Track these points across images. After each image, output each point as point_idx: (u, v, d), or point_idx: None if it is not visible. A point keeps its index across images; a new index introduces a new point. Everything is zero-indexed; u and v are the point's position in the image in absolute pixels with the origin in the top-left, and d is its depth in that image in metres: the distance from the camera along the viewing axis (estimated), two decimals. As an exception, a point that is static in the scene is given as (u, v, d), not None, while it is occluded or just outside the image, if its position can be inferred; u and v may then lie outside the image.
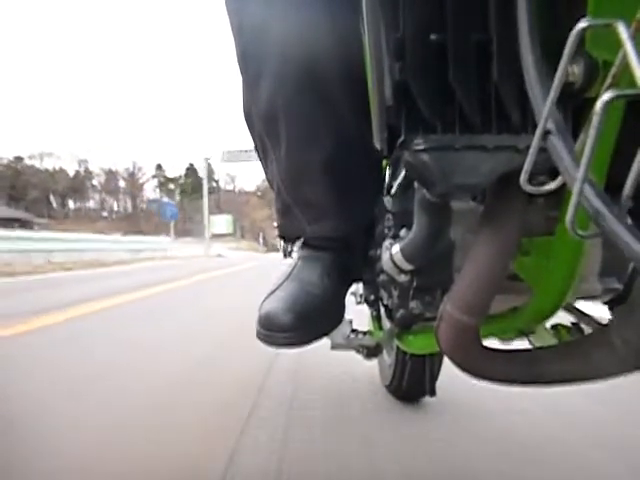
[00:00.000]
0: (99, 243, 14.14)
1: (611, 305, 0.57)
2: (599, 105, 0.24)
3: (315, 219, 0.75)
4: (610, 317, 0.55)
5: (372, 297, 0.86)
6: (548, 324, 0.64)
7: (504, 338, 0.67)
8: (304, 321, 0.71)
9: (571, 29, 0.28)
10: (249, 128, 0.78)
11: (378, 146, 0.46)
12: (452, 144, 0.40)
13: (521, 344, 0.64)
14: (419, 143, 0.40)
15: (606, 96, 0.24)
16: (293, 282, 0.76)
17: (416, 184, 0.50)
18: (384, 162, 0.76)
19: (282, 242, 0.93)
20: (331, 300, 0.76)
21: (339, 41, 0.60)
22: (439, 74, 0.40)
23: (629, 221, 0.28)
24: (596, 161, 0.28)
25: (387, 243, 0.61)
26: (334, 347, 0.86)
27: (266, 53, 0.65)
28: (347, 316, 0.83)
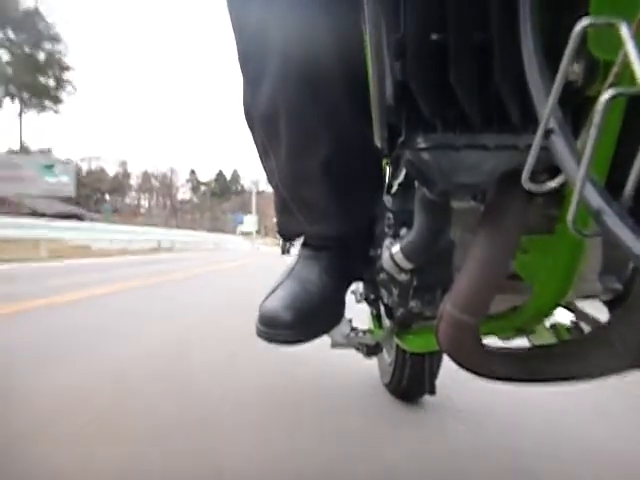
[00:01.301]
0: (190, 237, 20.49)
1: (611, 305, 0.57)
2: (600, 103, 0.24)
3: (315, 219, 0.75)
4: (609, 316, 0.55)
5: (372, 296, 0.87)
6: (548, 323, 0.65)
7: (504, 337, 0.67)
8: (304, 319, 0.71)
9: (572, 29, 0.28)
10: (249, 127, 0.78)
11: (379, 145, 0.46)
12: (453, 143, 0.40)
13: (521, 343, 0.64)
14: (420, 142, 0.40)
15: (607, 94, 0.24)
16: (293, 281, 0.76)
17: (417, 183, 0.50)
18: (384, 161, 0.76)
19: (281, 241, 0.93)
20: (331, 298, 0.76)
21: (340, 41, 0.60)
22: (440, 74, 0.40)
23: (630, 220, 0.28)
24: (597, 159, 0.28)
25: (387, 242, 0.61)
26: (334, 345, 0.87)
27: (267, 53, 0.65)
28: (347, 315, 0.83)
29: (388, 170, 0.74)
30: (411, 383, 1.15)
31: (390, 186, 0.67)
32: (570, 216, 0.26)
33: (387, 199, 0.65)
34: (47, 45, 31.67)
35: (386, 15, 0.41)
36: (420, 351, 0.96)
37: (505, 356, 0.58)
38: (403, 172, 0.53)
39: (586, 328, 0.63)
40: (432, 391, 1.12)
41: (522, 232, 0.49)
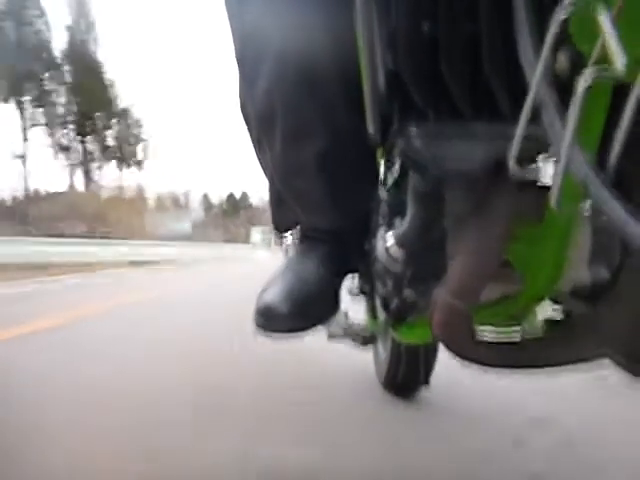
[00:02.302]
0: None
1: (598, 293, 0.58)
2: (580, 85, 0.25)
3: (310, 211, 0.76)
4: (598, 303, 0.56)
5: (367, 288, 0.88)
6: (540, 316, 0.66)
7: (497, 325, 0.68)
8: (300, 310, 0.72)
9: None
10: (244, 120, 0.79)
11: (372, 133, 0.47)
12: (444, 132, 0.41)
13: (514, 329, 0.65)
14: (412, 131, 0.41)
15: (587, 79, 0.25)
16: (290, 272, 0.77)
17: (410, 172, 0.51)
18: (379, 153, 0.76)
19: (284, 245, 0.94)
20: (327, 290, 0.77)
21: (333, 34, 0.61)
22: (431, 64, 0.40)
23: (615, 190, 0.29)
24: (586, 137, 0.29)
25: (381, 232, 0.62)
26: (330, 336, 0.88)
27: (262, 47, 0.65)
28: (343, 306, 0.84)
29: (382, 162, 0.75)
30: (406, 376, 1.16)
31: (385, 178, 0.68)
32: (555, 188, 0.27)
33: (381, 190, 0.66)
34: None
35: (378, 6, 0.42)
36: (415, 342, 0.97)
37: (497, 344, 0.59)
38: (397, 163, 0.54)
39: (576, 316, 0.64)
40: (426, 381, 1.14)
41: (513, 220, 0.50)
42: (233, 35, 0.70)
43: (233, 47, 0.71)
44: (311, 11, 0.60)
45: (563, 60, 0.32)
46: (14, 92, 27.97)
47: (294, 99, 0.67)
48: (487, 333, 0.59)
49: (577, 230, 0.52)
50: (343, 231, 0.77)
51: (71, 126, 31.81)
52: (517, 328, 0.67)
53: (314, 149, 0.69)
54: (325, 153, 0.69)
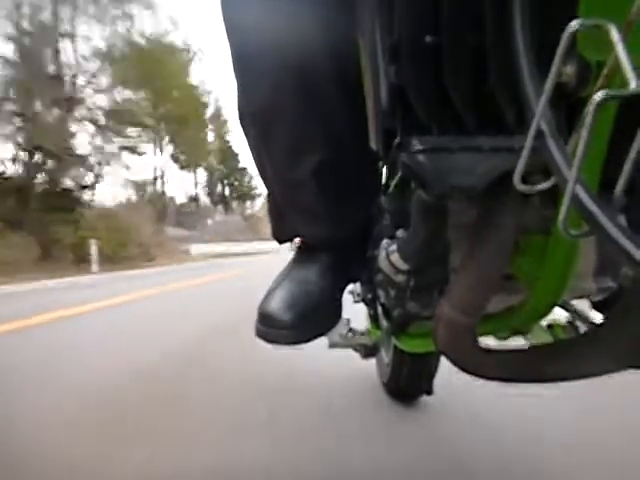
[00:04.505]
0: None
1: (605, 304, 0.57)
2: (591, 106, 0.24)
3: (311, 222, 0.75)
4: (604, 316, 0.55)
5: (369, 296, 0.87)
6: (544, 322, 0.65)
7: (500, 337, 0.67)
8: (303, 320, 0.71)
9: (563, 30, 0.28)
10: (243, 132, 0.78)
11: (375, 148, 0.46)
12: (448, 146, 0.41)
13: (517, 342, 0.64)
14: (415, 145, 0.41)
15: (597, 97, 0.24)
16: (292, 282, 0.76)
17: (413, 185, 0.50)
18: (381, 162, 0.76)
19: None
20: (329, 299, 0.77)
21: (334, 44, 0.60)
22: (434, 77, 0.40)
23: (622, 221, 0.28)
24: (589, 161, 0.28)
25: (384, 243, 0.61)
26: (332, 346, 0.87)
27: (261, 58, 0.65)
28: (345, 315, 0.83)
29: (384, 171, 0.74)
30: (409, 383, 1.15)
31: (387, 187, 0.68)
32: (561, 219, 0.26)
33: (384, 200, 0.66)
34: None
35: (380, 18, 0.41)
36: (417, 352, 0.96)
37: (502, 356, 0.58)
38: (399, 174, 0.53)
39: (581, 327, 0.64)
40: (429, 391, 1.13)
41: (517, 232, 0.49)
42: (231, 46, 0.69)
43: (231, 58, 0.70)
44: (311, 22, 0.60)
45: (570, 75, 0.32)
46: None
47: (293, 110, 0.66)
48: (491, 345, 0.59)
49: (583, 242, 0.51)
50: (344, 239, 0.77)
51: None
52: (521, 340, 0.66)
53: (314, 160, 0.68)
54: (325, 164, 0.68)
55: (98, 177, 15.37)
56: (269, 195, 0.82)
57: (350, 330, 0.87)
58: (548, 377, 0.57)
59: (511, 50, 0.35)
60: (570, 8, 0.35)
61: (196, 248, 21.30)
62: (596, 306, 0.59)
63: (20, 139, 13.11)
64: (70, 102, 14.02)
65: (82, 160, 14.46)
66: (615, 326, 0.49)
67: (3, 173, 13.13)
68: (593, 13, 0.33)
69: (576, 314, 0.65)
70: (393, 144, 0.43)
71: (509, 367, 0.58)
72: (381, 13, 0.40)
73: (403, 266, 0.57)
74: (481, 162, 0.41)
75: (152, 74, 16.44)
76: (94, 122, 15.15)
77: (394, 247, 0.57)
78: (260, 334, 0.73)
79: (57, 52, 14.19)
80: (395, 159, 0.44)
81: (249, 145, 0.79)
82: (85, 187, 14.71)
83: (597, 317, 0.59)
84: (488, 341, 0.60)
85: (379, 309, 0.81)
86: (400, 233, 0.59)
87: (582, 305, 0.64)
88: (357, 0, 0.46)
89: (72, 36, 14.49)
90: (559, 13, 0.36)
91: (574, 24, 0.27)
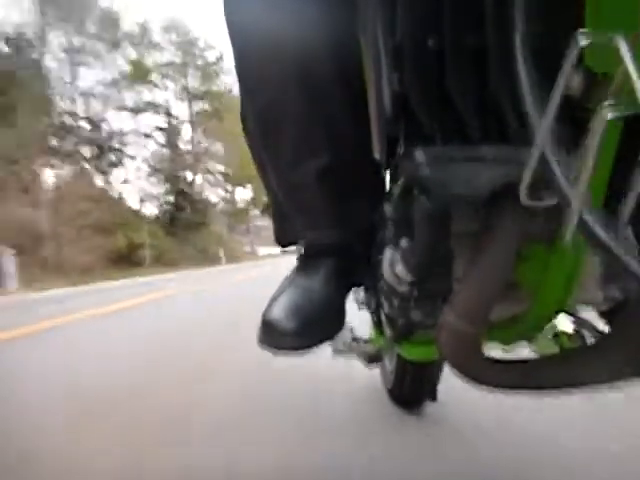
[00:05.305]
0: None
1: (611, 313, 0.57)
2: (599, 123, 0.24)
3: (314, 227, 0.75)
4: (610, 325, 0.55)
5: (373, 304, 0.86)
6: (550, 331, 0.64)
7: (505, 345, 0.67)
8: (307, 327, 0.71)
9: (567, 41, 0.28)
10: (246, 135, 0.78)
11: (378, 158, 0.46)
12: (451, 156, 0.40)
13: (522, 351, 0.64)
14: (418, 155, 0.40)
15: (606, 114, 0.24)
16: (295, 289, 0.76)
17: (416, 193, 0.50)
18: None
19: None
20: (333, 306, 0.76)
21: (337, 47, 0.60)
22: (437, 86, 0.40)
23: (629, 234, 0.28)
24: (594, 177, 0.28)
25: (387, 252, 0.61)
26: (335, 353, 0.86)
27: (264, 59, 0.65)
28: (348, 322, 0.82)
29: (388, 177, 0.74)
30: (412, 390, 1.14)
31: (390, 193, 0.67)
32: (567, 236, 0.26)
33: (387, 207, 0.65)
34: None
35: (383, 27, 0.41)
36: (421, 360, 0.96)
37: (506, 365, 0.57)
38: (402, 183, 0.53)
39: (587, 335, 0.63)
40: (433, 397, 1.12)
41: (522, 241, 0.49)
42: (234, 50, 0.69)
43: (234, 62, 0.70)
44: (314, 25, 0.60)
45: (575, 88, 0.31)
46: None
47: (297, 112, 0.66)
48: (495, 354, 0.58)
49: (588, 251, 0.51)
50: (348, 245, 0.76)
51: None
52: (526, 348, 0.66)
53: (318, 165, 0.68)
54: (329, 169, 0.68)
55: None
56: (272, 198, 0.82)
57: (354, 337, 0.86)
58: (553, 386, 0.56)
59: (513, 58, 0.34)
60: (574, 14, 0.34)
61: (261, 250, 26.62)
62: (603, 315, 0.59)
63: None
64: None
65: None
66: (621, 335, 0.49)
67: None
68: (599, 24, 0.33)
69: (582, 323, 0.64)
70: (396, 152, 0.42)
71: (514, 376, 0.58)
72: (384, 22, 0.40)
73: (407, 277, 0.56)
74: (484, 172, 0.41)
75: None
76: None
77: (398, 257, 0.57)
78: (263, 341, 0.72)
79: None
80: (398, 168, 0.44)
81: (251, 149, 0.79)
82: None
83: (604, 326, 0.58)
84: (493, 350, 0.59)
85: (382, 317, 0.81)
86: (404, 242, 0.59)
87: (589, 314, 0.63)
88: (360, 3, 0.46)
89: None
90: (563, 21, 0.36)
91: (582, 38, 0.26)
